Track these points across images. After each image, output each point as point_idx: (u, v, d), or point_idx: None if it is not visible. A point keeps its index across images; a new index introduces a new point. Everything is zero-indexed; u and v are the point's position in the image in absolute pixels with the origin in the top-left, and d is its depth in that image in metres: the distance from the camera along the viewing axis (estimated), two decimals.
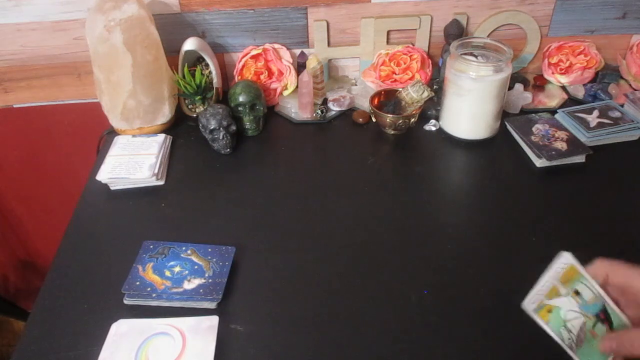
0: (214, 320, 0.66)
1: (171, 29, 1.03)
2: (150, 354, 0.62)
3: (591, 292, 0.49)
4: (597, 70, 1.08)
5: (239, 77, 1.05)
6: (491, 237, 0.77)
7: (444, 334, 0.64)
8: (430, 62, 1.08)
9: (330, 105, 1.04)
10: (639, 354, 0.47)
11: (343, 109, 1.04)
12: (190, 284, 0.69)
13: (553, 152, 0.88)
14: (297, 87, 1.04)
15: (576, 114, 0.96)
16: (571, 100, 1.05)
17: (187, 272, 0.71)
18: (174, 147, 0.97)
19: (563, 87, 1.09)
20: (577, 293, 0.49)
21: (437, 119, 1.00)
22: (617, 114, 0.95)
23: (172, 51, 1.03)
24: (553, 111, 1.00)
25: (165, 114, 0.99)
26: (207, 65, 1.03)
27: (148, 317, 0.66)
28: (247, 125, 0.98)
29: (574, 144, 0.89)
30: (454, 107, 0.94)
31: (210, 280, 0.69)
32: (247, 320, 0.66)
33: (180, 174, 0.91)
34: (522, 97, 1.02)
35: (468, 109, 0.92)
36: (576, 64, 1.06)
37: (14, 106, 1.14)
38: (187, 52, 0.99)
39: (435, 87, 1.05)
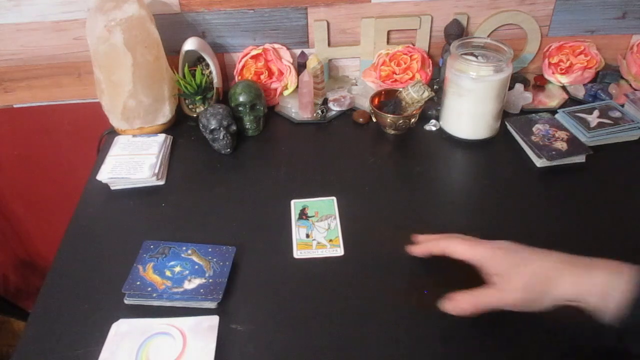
0: (214, 320, 0.66)
1: (171, 29, 1.03)
2: (151, 354, 0.62)
3: None
4: (597, 70, 1.08)
5: (239, 77, 1.05)
6: (491, 236, 0.77)
7: (445, 334, 0.64)
8: (430, 62, 1.08)
9: (330, 105, 1.04)
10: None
11: (343, 109, 1.04)
12: (190, 284, 0.69)
13: (553, 152, 0.88)
14: (297, 87, 1.04)
15: (576, 114, 0.96)
16: (571, 100, 1.05)
17: (187, 272, 0.71)
18: (175, 147, 0.97)
19: (563, 87, 1.09)
20: None
21: (437, 119, 1.00)
22: (617, 114, 0.95)
23: (172, 51, 1.03)
24: (553, 111, 1.00)
25: (165, 114, 0.99)
26: (207, 65, 1.03)
27: (148, 317, 0.66)
28: (248, 125, 0.98)
29: (574, 144, 0.89)
30: (454, 107, 0.94)
31: (210, 280, 0.69)
32: (247, 320, 0.66)
33: (181, 174, 0.91)
34: (523, 97, 1.02)
35: (468, 109, 0.92)
36: (576, 64, 1.06)
37: (14, 106, 1.14)
38: (187, 52, 0.99)
39: (435, 87, 1.05)
